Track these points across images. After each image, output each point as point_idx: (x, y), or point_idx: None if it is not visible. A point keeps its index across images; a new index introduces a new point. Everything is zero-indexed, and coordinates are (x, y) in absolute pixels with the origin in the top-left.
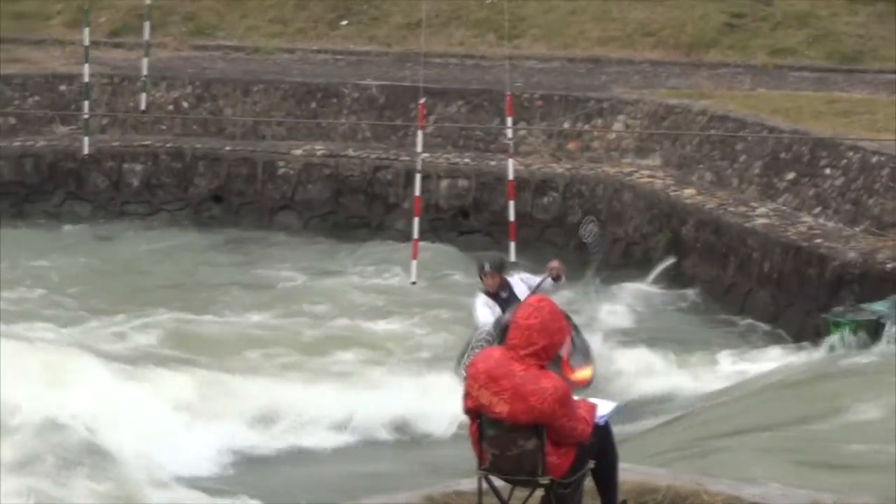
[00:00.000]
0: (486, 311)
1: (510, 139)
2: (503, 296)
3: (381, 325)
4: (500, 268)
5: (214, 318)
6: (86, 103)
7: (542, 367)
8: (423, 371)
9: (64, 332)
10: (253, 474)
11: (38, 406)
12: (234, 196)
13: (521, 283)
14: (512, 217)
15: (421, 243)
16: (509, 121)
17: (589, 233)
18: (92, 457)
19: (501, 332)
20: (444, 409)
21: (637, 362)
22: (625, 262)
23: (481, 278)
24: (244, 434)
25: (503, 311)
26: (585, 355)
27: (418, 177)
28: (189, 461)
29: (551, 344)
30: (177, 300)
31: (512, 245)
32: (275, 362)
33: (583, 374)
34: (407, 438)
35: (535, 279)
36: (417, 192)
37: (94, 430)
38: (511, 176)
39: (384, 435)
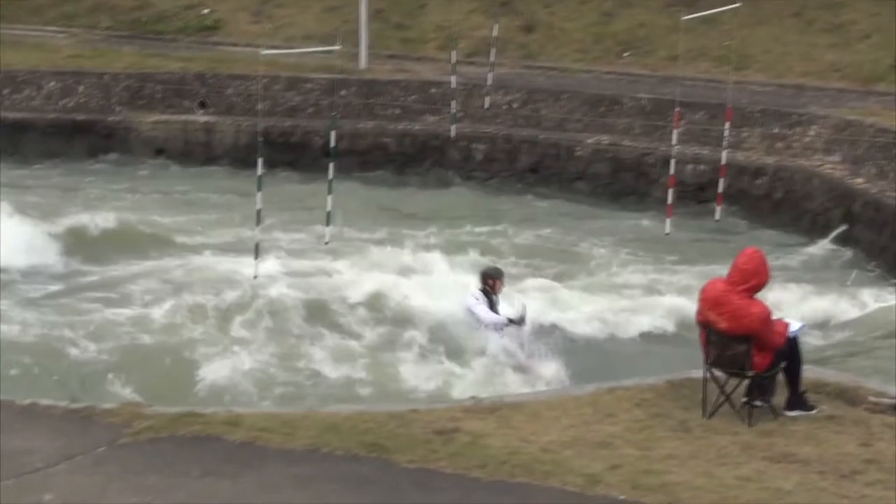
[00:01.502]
0: (483, 308)
1: (727, 137)
2: (495, 298)
3: (649, 264)
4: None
5: (520, 240)
6: (453, 102)
7: (751, 298)
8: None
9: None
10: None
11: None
12: (544, 169)
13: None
14: (720, 190)
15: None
16: (727, 125)
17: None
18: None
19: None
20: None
21: (815, 296)
22: (811, 227)
23: (494, 281)
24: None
25: (491, 307)
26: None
27: (672, 161)
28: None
29: (759, 283)
30: (494, 236)
31: (719, 209)
32: (568, 285)
33: (548, 370)
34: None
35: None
36: (672, 172)
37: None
38: (723, 161)
39: (646, 342)
